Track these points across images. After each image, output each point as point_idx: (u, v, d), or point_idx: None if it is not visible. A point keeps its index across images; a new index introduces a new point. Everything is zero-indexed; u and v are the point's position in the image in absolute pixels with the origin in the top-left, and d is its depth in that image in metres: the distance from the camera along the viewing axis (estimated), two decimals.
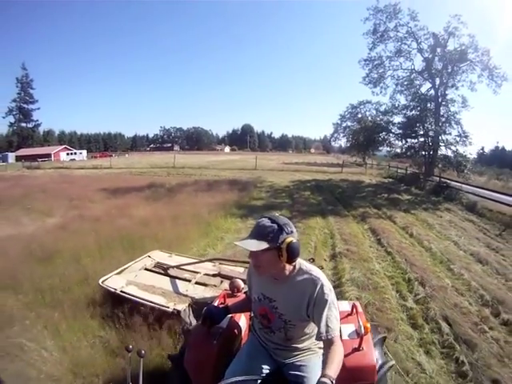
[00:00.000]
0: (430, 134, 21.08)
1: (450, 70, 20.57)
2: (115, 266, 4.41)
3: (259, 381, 1.60)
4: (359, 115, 25.25)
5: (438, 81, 21.14)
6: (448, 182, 17.24)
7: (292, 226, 1.56)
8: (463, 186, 15.90)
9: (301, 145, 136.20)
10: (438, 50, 20.75)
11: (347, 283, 4.76)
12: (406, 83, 22.41)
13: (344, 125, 26.47)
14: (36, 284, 4.31)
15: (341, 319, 1.77)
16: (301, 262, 1.66)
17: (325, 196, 14.17)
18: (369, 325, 1.82)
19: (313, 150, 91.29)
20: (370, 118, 24.71)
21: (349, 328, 1.86)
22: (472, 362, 3.16)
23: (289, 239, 1.49)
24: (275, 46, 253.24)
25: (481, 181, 25.31)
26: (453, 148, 20.47)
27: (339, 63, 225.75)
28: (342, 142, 30.40)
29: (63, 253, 5.42)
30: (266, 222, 1.54)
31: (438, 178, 18.26)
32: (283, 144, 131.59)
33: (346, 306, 2.09)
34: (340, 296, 4.44)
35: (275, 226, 1.50)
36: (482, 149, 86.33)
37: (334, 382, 1.29)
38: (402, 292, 4.68)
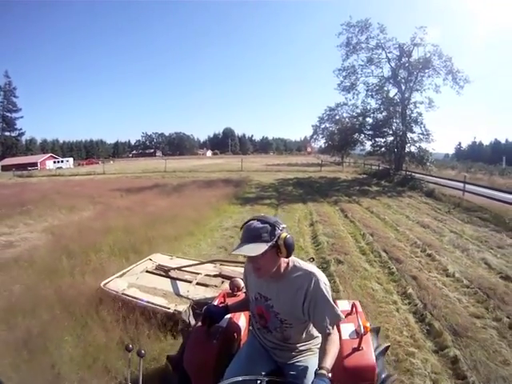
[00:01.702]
0: (399, 133, 23.61)
1: (414, 78, 23.06)
2: (166, 232, 6.48)
3: (259, 381, 1.55)
4: (337, 117, 27.33)
5: (403, 86, 23.62)
6: (413, 174, 19.80)
7: (281, 222, 1.58)
8: (429, 177, 18.38)
9: (281, 147, 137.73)
10: (404, 59, 23.20)
11: (321, 235, 7.15)
12: (376, 89, 24.76)
13: (323, 126, 28.48)
14: (111, 246, 6.06)
15: None
16: (294, 260, 1.67)
17: (305, 189, 16.53)
18: (368, 324, 1.82)
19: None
20: (347, 119, 26.93)
21: (348, 328, 1.85)
22: (399, 268, 5.34)
23: (283, 234, 1.51)
24: (253, 49, 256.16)
25: (451, 174, 27.96)
26: (417, 145, 23.15)
27: (317, 65, 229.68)
28: (322, 142, 32.58)
29: (117, 229, 7.28)
30: (256, 223, 1.54)
31: (405, 172, 20.91)
32: (264, 146, 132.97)
33: (345, 305, 2.09)
34: (315, 241, 6.77)
35: (267, 225, 1.51)
36: (459, 144, 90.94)
37: (329, 373, 1.35)
38: (357, 239, 7.09)
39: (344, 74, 25.09)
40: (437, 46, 22.09)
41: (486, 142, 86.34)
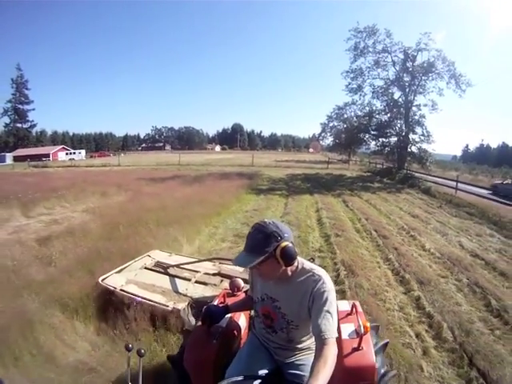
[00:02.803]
0: (401, 133, 24.89)
1: (417, 81, 24.20)
2: (198, 212, 7.96)
3: (259, 380, 1.59)
4: (345, 115, 28.54)
5: (407, 89, 24.78)
6: (414, 173, 21.20)
7: (284, 230, 1.54)
8: (429, 177, 19.65)
9: (290, 143, 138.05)
10: (408, 64, 24.29)
11: (324, 218, 8.66)
12: (381, 91, 25.97)
13: (331, 124, 29.84)
14: (157, 220, 7.36)
15: (340, 319, 1.89)
16: (303, 262, 1.69)
17: (312, 184, 18.03)
18: (368, 324, 1.82)
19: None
20: (354, 118, 28.10)
21: (348, 328, 1.86)
22: (384, 242, 6.76)
23: (282, 244, 1.50)
24: (264, 47, 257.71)
25: (454, 175, 29.10)
26: (418, 145, 24.43)
27: (327, 63, 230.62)
28: (329, 140, 33.75)
29: (155, 208, 8.64)
30: (254, 233, 1.53)
31: (405, 171, 22.22)
32: (272, 143, 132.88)
33: (345, 305, 2.11)
34: (319, 222, 8.18)
35: (262, 236, 1.50)
36: (467, 146, 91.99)
37: None
38: (354, 222, 8.59)
39: (351, 75, 26.29)
40: (440, 50, 23.21)
41: (494, 145, 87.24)
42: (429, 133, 23.99)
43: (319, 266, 1.82)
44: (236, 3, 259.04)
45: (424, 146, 24.29)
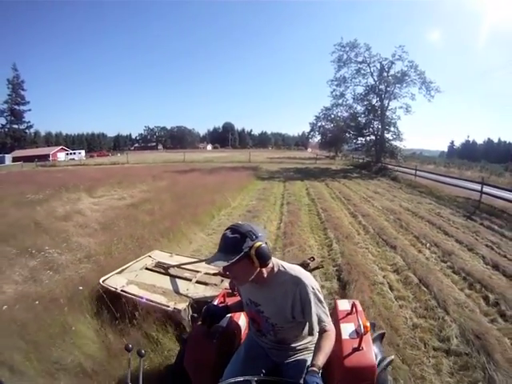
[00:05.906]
0: (378, 133, 29.28)
1: (392, 89, 28.34)
2: (227, 188, 12.02)
3: (258, 380, 1.51)
4: (332, 116, 32.18)
5: (383, 95, 28.91)
6: (387, 165, 25.25)
7: (258, 231, 1.56)
8: (403, 168, 22.78)
9: (280, 141, 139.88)
10: (384, 74, 28.42)
11: (311, 192, 13.11)
12: (360, 97, 30.07)
13: (319, 124, 33.42)
14: (208, 191, 11.27)
15: (341, 319, 1.99)
16: (279, 263, 1.69)
17: (303, 174, 22.59)
18: (368, 324, 1.84)
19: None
20: (341, 118, 31.97)
21: (348, 327, 1.89)
22: (348, 202, 11.05)
23: (256, 244, 1.51)
24: (253, 46, 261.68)
25: (429, 168, 32.47)
26: (391, 143, 28.88)
27: (316, 60, 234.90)
28: (318, 138, 37.63)
29: (200, 186, 12.47)
30: (228, 233, 1.54)
31: (380, 164, 26.60)
32: (263, 141, 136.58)
33: (345, 305, 2.13)
34: (308, 194, 12.51)
35: (238, 235, 1.51)
36: (452, 142, 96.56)
37: (320, 370, 1.42)
38: (331, 194, 13.01)
39: (336, 83, 30.33)
40: (412, 61, 27.34)
41: (480, 141, 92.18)
42: (400, 132, 28.61)
43: (318, 264, 2.12)
44: (228, 3, 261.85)
45: (396, 143, 28.82)
